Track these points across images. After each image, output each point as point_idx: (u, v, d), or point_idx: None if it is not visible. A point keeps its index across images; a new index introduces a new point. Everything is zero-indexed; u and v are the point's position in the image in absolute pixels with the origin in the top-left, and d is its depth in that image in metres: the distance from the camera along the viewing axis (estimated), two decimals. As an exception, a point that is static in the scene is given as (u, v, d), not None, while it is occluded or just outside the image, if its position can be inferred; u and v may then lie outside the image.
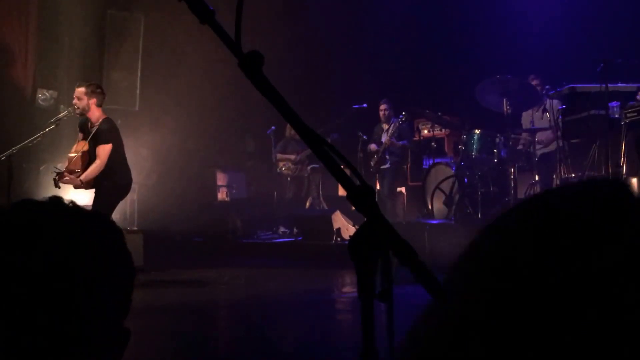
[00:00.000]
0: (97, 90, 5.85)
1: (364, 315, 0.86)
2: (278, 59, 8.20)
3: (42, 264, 0.72)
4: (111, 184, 5.85)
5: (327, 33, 10.14)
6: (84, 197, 7.37)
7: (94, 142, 5.80)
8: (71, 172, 5.81)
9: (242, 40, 0.87)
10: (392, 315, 0.87)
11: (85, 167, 5.82)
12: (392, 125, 8.94)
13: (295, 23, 9.86)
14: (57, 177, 5.75)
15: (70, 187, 6.30)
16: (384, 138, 9.10)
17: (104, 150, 5.77)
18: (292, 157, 9.97)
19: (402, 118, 8.85)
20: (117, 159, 5.91)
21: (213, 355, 3.98)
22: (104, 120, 5.83)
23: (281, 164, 10.00)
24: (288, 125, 9.84)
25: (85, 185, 5.86)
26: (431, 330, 0.46)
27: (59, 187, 5.71)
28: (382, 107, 9.14)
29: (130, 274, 0.82)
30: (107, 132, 5.81)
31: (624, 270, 0.41)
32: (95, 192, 5.89)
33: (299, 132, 0.90)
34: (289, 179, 9.99)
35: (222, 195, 10.54)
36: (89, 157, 5.87)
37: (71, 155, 5.95)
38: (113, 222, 0.85)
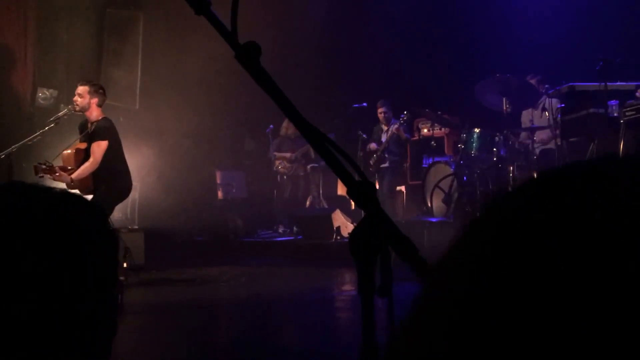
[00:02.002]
0: (100, 90, 5.85)
1: (364, 310, 0.86)
2: (278, 57, 8.21)
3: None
4: (110, 188, 5.80)
5: (326, 32, 10.15)
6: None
7: (91, 140, 5.77)
8: (64, 169, 5.75)
9: (240, 37, 0.87)
10: (392, 310, 0.88)
11: (79, 165, 5.78)
12: (393, 125, 8.99)
13: (295, 21, 9.87)
14: (43, 166, 5.56)
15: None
16: (384, 138, 9.15)
17: (99, 148, 5.69)
18: (288, 155, 10.01)
19: (403, 117, 8.90)
20: (116, 162, 5.85)
21: (214, 352, 4.00)
22: (103, 118, 5.81)
23: (277, 162, 10.03)
24: (284, 124, 9.88)
25: (80, 186, 5.78)
26: (422, 329, 0.41)
27: (42, 177, 5.62)
28: (380, 109, 9.18)
29: (111, 259, 0.79)
30: (105, 130, 5.75)
31: None
32: (93, 195, 5.84)
33: (298, 126, 0.89)
34: (285, 177, 10.02)
35: (222, 194, 10.56)
36: (84, 155, 5.82)
37: (65, 152, 5.91)
38: (88, 202, 0.82)
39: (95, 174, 5.79)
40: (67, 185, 5.77)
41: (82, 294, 0.74)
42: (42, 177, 5.64)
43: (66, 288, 0.73)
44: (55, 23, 8.87)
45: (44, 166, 5.61)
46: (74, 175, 5.66)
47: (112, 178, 5.79)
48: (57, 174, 5.63)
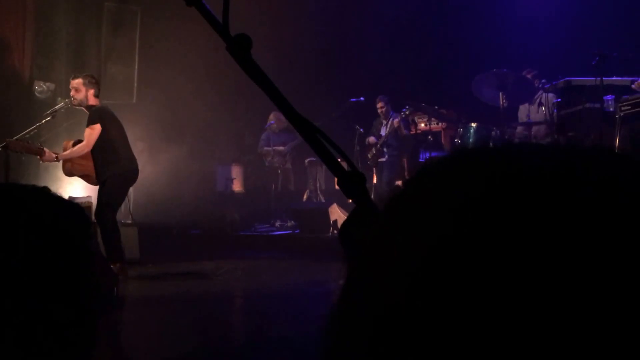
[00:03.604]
0: (93, 80, 5.82)
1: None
2: (274, 50, 8.19)
3: None
4: (115, 174, 5.79)
5: (323, 26, 10.13)
6: (80, 190, 7.37)
7: (87, 126, 5.76)
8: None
9: (236, 30, 0.87)
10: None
11: None
12: (393, 118, 9.00)
13: (292, 14, 9.84)
14: (24, 143, 5.53)
15: (71, 179, 6.24)
16: (383, 131, 9.16)
17: (91, 132, 5.65)
18: (281, 148, 10.03)
19: (405, 112, 8.90)
20: (118, 147, 5.84)
21: (209, 346, 4.00)
22: (96, 105, 5.78)
23: (269, 157, 10.08)
24: (272, 118, 9.93)
25: (79, 172, 5.78)
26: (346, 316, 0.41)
27: (17, 152, 5.59)
28: (379, 104, 9.19)
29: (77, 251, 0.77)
30: (96, 113, 5.68)
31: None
32: (101, 184, 5.83)
33: (289, 118, 0.89)
34: (279, 171, 10.04)
35: (219, 188, 10.56)
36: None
37: (65, 141, 5.91)
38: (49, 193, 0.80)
39: (98, 163, 5.78)
40: (65, 171, 5.76)
41: (53, 289, 0.73)
42: (19, 152, 5.60)
43: (35, 284, 0.71)
44: (54, 16, 8.83)
45: (26, 144, 5.56)
46: (60, 155, 5.64)
47: (115, 163, 5.77)
48: (44, 156, 5.60)
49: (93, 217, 5.74)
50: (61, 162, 5.78)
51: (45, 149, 5.64)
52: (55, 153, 5.68)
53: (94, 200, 6.80)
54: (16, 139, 5.58)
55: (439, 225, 0.37)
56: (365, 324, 0.39)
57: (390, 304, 0.37)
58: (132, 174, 5.93)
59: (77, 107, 5.86)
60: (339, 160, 0.90)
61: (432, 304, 0.35)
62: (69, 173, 5.87)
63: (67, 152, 5.68)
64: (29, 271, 0.71)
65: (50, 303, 0.72)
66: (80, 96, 5.71)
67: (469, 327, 0.34)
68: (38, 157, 5.64)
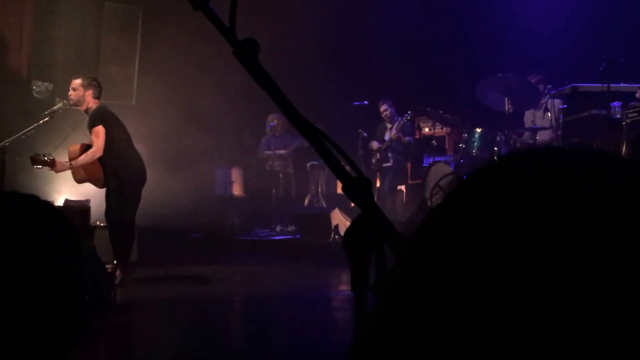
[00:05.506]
0: (94, 82, 5.80)
1: (356, 308, 0.85)
2: (278, 54, 8.14)
3: None
4: (126, 175, 5.75)
5: (327, 29, 10.10)
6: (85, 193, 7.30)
7: (90, 131, 5.73)
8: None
9: (242, 32, 0.88)
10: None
11: None
12: (397, 122, 8.98)
13: (296, 19, 9.81)
14: (41, 157, 5.50)
15: (68, 181, 6.18)
16: (387, 136, 9.12)
17: (98, 134, 5.63)
18: (282, 152, 9.99)
19: (407, 117, 8.88)
20: (123, 146, 5.80)
21: (206, 350, 3.94)
22: (96, 106, 5.75)
23: (270, 161, 10.04)
24: (271, 120, 9.91)
25: (89, 177, 5.73)
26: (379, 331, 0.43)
27: (39, 167, 5.57)
28: (382, 107, 9.17)
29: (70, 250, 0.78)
30: (98, 114, 5.66)
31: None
32: (106, 192, 5.80)
33: (294, 123, 0.89)
34: (281, 175, 10.00)
35: (218, 191, 10.51)
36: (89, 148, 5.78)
37: (71, 146, 5.85)
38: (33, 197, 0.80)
39: (106, 166, 5.73)
40: (77, 179, 5.71)
41: (19, 291, 0.71)
42: (40, 168, 5.59)
43: (19, 284, 0.71)
44: (53, 15, 8.79)
45: (43, 158, 5.55)
46: (74, 162, 5.61)
47: (124, 166, 5.73)
48: (56, 167, 5.58)
49: (91, 220, 5.70)
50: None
51: (55, 159, 5.60)
52: (67, 161, 5.64)
53: (92, 203, 6.74)
54: (36, 154, 5.56)
55: (449, 241, 0.40)
56: (390, 342, 0.40)
57: (411, 320, 0.39)
58: (141, 176, 5.91)
59: (74, 108, 5.82)
60: (343, 164, 0.89)
61: (447, 318, 0.37)
62: (82, 180, 5.79)
63: (81, 159, 5.63)
64: (13, 272, 0.72)
65: (32, 302, 0.73)
66: (76, 96, 5.69)
67: (482, 337, 0.35)
68: (49, 168, 5.60)
